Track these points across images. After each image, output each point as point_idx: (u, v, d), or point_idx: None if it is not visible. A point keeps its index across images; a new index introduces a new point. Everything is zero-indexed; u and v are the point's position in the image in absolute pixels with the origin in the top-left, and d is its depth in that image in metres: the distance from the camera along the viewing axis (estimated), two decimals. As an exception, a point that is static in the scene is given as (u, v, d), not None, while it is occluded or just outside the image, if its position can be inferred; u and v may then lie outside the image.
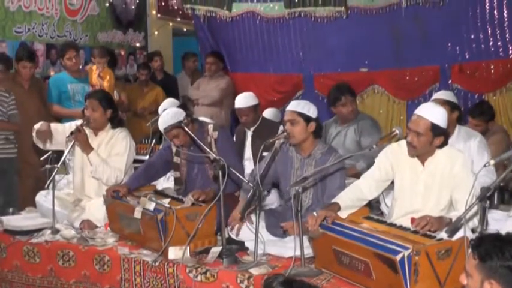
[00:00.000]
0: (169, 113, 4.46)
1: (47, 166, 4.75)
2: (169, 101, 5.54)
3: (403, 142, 3.72)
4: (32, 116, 5.75)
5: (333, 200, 3.70)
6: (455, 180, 3.55)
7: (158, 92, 7.78)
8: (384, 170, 3.78)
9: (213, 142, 4.52)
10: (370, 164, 3.96)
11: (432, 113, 3.53)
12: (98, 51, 6.53)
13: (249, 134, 5.51)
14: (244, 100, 5.43)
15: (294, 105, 4.13)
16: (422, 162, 3.66)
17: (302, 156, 4.16)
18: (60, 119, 6.24)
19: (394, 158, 3.76)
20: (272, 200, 4.74)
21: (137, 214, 4.05)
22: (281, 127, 4.95)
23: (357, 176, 4.26)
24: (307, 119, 4.06)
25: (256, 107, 5.46)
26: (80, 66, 6.59)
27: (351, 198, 3.73)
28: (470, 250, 2.34)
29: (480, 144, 4.47)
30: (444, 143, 3.60)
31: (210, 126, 4.59)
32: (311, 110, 4.10)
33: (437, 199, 3.61)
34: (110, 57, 6.82)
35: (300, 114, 4.05)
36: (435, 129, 3.51)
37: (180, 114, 4.39)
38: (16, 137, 5.84)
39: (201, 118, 4.88)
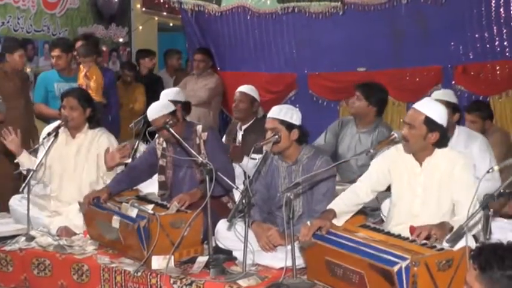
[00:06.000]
0: (156, 106, 4.53)
1: (22, 169, 4.77)
2: (173, 91, 5.54)
3: (401, 146, 3.76)
4: (17, 115, 5.79)
5: (328, 206, 3.73)
6: (456, 182, 3.59)
7: (138, 93, 7.82)
8: (381, 172, 3.82)
9: (202, 144, 4.55)
10: None
11: (428, 107, 3.62)
12: (82, 50, 6.46)
13: (240, 133, 5.58)
14: (247, 87, 5.69)
15: (276, 112, 4.13)
16: (420, 163, 3.70)
17: (288, 164, 4.19)
18: (45, 119, 6.27)
19: (391, 161, 3.81)
20: None
21: (115, 223, 4.06)
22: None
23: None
24: (290, 126, 4.07)
25: (253, 101, 5.62)
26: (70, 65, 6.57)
27: (346, 203, 3.76)
28: (470, 261, 2.37)
29: (482, 146, 4.50)
30: (441, 142, 3.65)
31: (199, 127, 4.62)
32: (294, 117, 4.10)
33: (437, 202, 3.65)
34: (93, 45, 6.78)
35: (282, 121, 4.07)
36: (429, 124, 3.57)
37: (168, 107, 4.47)
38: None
39: (189, 119, 4.92)
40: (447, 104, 4.49)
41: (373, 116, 5.20)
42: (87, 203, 4.38)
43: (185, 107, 5.30)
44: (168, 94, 5.25)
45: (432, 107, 3.64)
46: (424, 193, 3.68)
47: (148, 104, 6.71)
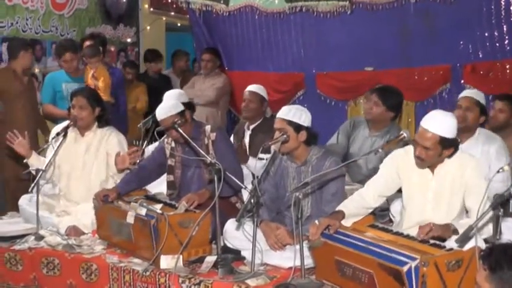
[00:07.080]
0: (165, 106, 4.51)
1: (31, 169, 4.77)
2: (175, 92, 5.52)
3: (410, 148, 3.74)
4: (23, 117, 5.80)
5: (338, 208, 3.73)
6: (467, 186, 3.58)
7: (140, 92, 7.83)
8: (390, 177, 3.81)
9: (211, 144, 4.55)
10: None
11: (440, 125, 3.53)
12: (88, 51, 6.46)
13: (248, 133, 5.58)
14: (257, 87, 5.73)
15: (285, 112, 4.11)
16: (432, 170, 3.69)
17: (297, 165, 4.18)
18: (53, 119, 6.28)
19: (400, 164, 3.79)
20: None
21: (129, 219, 4.06)
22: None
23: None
24: (298, 127, 4.05)
25: (262, 101, 5.66)
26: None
27: (355, 206, 3.77)
28: (480, 261, 2.37)
29: (499, 149, 4.47)
30: (455, 152, 3.63)
31: (208, 127, 4.62)
32: (303, 118, 4.07)
33: (448, 207, 3.64)
34: (101, 44, 6.77)
35: (290, 122, 4.05)
36: (444, 142, 3.53)
37: (176, 107, 4.45)
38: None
39: (196, 119, 4.91)
40: (477, 104, 4.47)
41: (389, 121, 5.14)
42: (98, 199, 4.39)
43: (189, 106, 5.30)
44: (171, 96, 5.24)
45: (443, 124, 3.52)
46: (435, 198, 3.67)
47: (152, 103, 6.75)
